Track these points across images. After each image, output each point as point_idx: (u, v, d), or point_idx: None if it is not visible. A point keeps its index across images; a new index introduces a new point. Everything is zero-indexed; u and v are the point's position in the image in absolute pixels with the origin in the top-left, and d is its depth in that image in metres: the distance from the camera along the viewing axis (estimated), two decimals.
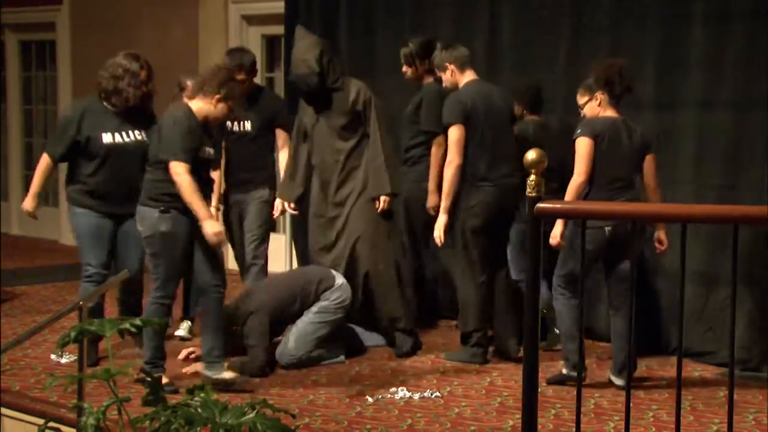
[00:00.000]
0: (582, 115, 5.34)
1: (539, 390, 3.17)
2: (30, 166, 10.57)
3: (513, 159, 5.57)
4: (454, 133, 5.60)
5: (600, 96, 5.21)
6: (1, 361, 5.25)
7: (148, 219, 5.07)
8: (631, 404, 3.16)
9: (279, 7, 7.72)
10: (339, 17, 7.30)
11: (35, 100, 10.53)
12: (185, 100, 5.25)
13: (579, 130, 5.17)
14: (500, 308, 5.76)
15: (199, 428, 2.73)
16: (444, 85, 5.89)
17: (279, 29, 7.83)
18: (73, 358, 5.51)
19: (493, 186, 5.64)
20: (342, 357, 5.76)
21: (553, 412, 4.88)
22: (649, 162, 5.25)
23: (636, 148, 5.21)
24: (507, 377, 5.47)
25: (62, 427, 4.55)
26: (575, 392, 3.15)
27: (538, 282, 3.07)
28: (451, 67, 5.75)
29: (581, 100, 5.33)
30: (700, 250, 5.63)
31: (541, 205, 3.02)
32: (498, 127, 5.72)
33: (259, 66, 8.46)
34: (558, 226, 5.11)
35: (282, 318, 5.64)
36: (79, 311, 4.58)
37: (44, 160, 5.59)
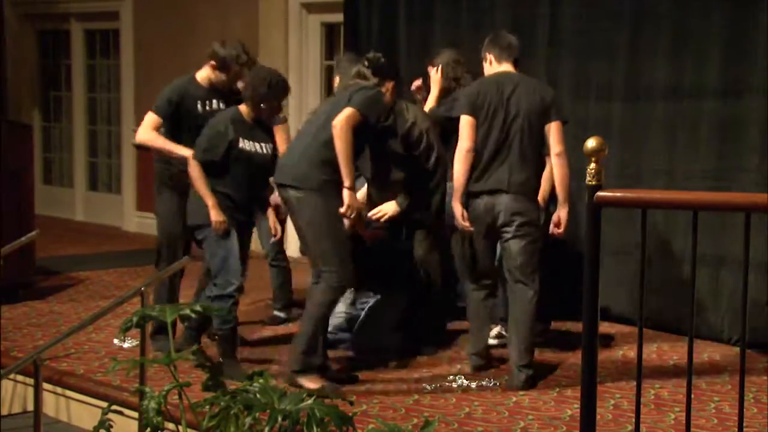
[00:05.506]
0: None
1: (598, 380, 3.15)
2: (93, 153, 10.77)
3: None
4: None
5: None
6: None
7: None
8: (693, 395, 3.12)
9: None
10: (398, 4, 7.29)
11: (99, 88, 10.70)
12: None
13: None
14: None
15: (257, 414, 2.76)
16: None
17: (339, 17, 7.83)
18: (135, 342, 5.61)
19: None
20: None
21: (612, 402, 4.84)
22: None
23: None
24: (566, 367, 5.43)
25: (124, 410, 4.67)
26: (635, 382, 3.12)
27: (597, 270, 3.03)
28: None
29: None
30: (764, 240, 5.53)
31: (601, 193, 2.98)
32: None
33: (319, 54, 8.56)
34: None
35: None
36: (141, 296, 4.66)
37: None
